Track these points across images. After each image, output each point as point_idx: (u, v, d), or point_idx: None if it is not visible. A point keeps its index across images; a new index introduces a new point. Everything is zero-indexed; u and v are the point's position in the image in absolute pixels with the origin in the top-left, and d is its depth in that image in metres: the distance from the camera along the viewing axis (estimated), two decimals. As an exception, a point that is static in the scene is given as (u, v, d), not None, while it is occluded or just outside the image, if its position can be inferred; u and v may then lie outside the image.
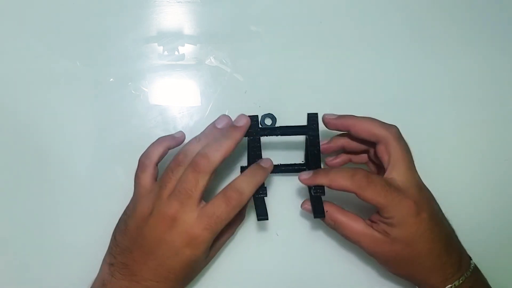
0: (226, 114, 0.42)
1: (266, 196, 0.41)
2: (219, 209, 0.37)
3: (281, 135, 0.43)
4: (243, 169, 0.43)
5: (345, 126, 0.41)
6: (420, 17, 0.52)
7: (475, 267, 0.40)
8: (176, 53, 0.49)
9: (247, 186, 0.39)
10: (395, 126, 0.40)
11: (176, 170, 0.38)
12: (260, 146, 0.42)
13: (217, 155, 0.38)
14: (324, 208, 0.41)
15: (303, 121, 0.47)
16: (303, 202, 0.43)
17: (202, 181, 0.37)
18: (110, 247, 0.40)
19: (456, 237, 0.41)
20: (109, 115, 0.47)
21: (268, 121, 0.45)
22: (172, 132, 0.46)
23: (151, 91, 0.48)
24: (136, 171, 0.40)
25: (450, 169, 0.49)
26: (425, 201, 0.39)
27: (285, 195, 0.47)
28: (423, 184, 0.40)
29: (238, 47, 0.49)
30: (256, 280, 0.45)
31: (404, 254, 0.39)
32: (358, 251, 0.46)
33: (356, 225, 0.40)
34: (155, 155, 0.40)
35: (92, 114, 0.47)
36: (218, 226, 0.37)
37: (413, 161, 0.40)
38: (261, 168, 0.40)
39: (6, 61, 0.48)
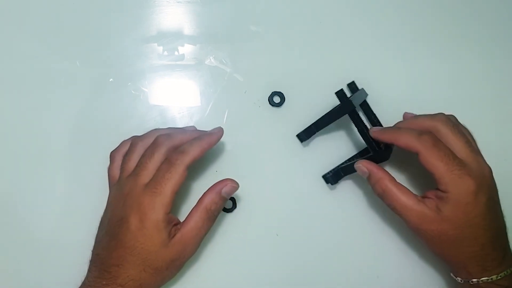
0: (224, 116, 0.45)
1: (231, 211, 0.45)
2: (161, 170, 0.38)
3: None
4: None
5: (388, 141, 0.41)
6: (421, 16, 0.52)
7: None
8: (176, 53, 0.49)
9: (189, 147, 0.39)
10: (428, 133, 0.39)
11: (131, 150, 0.41)
12: (359, 117, 0.42)
13: (194, 151, 0.39)
14: (378, 174, 0.40)
15: (302, 122, 0.47)
16: (358, 162, 0.42)
17: (158, 154, 0.39)
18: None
19: (506, 235, 0.40)
20: (108, 115, 0.47)
21: (276, 99, 0.47)
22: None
23: (150, 91, 0.48)
24: (108, 166, 0.43)
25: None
26: (486, 185, 0.38)
27: (285, 195, 0.47)
28: (490, 170, 0.39)
29: (238, 47, 0.49)
30: (256, 280, 0.45)
31: (449, 235, 0.38)
32: (358, 251, 0.46)
33: (406, 198, 0.39)
34: (124, 148, 0.43)
35: (92, 114, 0.47)
36: (163, 187, 0.37)
37: (473, 147, 0.40)
38: (208, 133, 0.41)
39: (6, 61, 0.48)
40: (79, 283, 0.39)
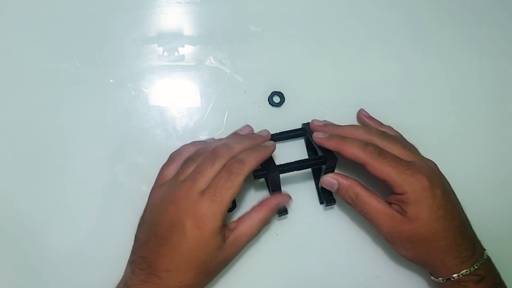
0: (224, 116, 0.45)
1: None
2: (221, 179, 0.38)
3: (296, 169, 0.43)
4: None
5: (334, 149, 0.41)
6: (421, 16, 0.52)
7: (489, 258, 0.40)
8: (176, 53, 0.49)
9: (248, 157, 0.39)
10: (371, 144, 0.40)
11: (195, 159, 0.40)
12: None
13: (252, 161, 0.39)
14: (347, 182, 0.41)
15: (302, 121, 0.47)
16: (323, 177, 0.42)
17: (218, 163, 0.39)
18: (133, 247, 0.40)
19: (470, 224, 0.41)
20: (108, 115, 0.47)
21: (276, 99, 0.47)
22: (172, 132, 0.47)
23: (150, 92, 0.48)
24: (163, 165, 0.42)
25: (449, 168, 0.49)
26: (437, 178, 0.39)
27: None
28: (435, 164, 0.41)
29: (237, 47, 0.49)
30: (256, 280, 0.45)
31: (421, 234, 0.38)
32: (358, 251, 0.46)
33: (377, 202, 0.40)
34: (185, 153, 0.42)
35: (92, 114, 0.47)
36: (223, 195, 0.37)
37: (412, 150, 0.41)
38: (264, 146, 0.42)
39: (5, 61, 0.48)
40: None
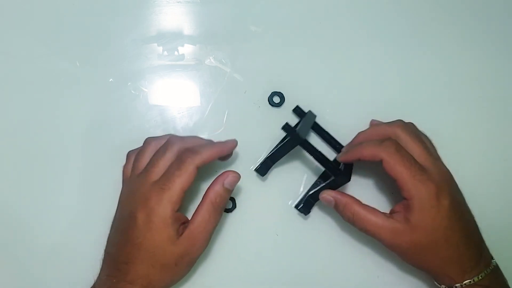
0: (224, 116, 0.46)
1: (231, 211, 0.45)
2: (172, 167, 0.38)
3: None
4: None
5: (355, 159, 0.41)
6: (421, 16, 0.52)
7: (496, 267, 0.40)
8: (176, 53, 0.49)
9: (201, 149, 0.39)
10: (389, 139, 0.40)
11: (144, 150, 0.41)
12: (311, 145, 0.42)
13: (205, 153, 0.39)
14: (344, 200, 0.41)
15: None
16: (322, 193, 0.42)
17: (169, 153, 0.39)
18: None
19: (479, 233, 0.41)
20: (108, 115, 0.47)
21: (276, 99, 0.47)
22: (172, 132, 0.47)
23: (150, 91, 0.48)
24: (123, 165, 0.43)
25: (450, 168, 0.49)
26: (447, 188, 0.39)
27: (285, 195, 0.47)
28: (449, 174, 0.40)
29: (237, 47, 0.49)
30: (256, 280, 0.45)
31: (423, 243, 0.38)
32: (358, 250, 0.46)
33: (375, 217, 0.39)
34: (139, 148, 0.43)
35: (92, 114, 0.47)
36: (172, 183, 0.37)
37: (431, 153, 0.41)
38: (222, 142, 0.42)
39: (5, 61, 0.48)
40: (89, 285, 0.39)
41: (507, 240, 0.48)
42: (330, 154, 0.47)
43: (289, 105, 0.48)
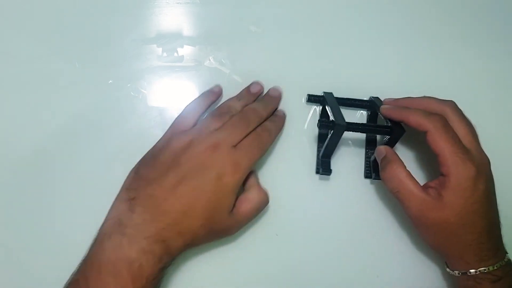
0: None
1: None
2: (253, 141, 0.41)
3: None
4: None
5: (399, 119, 0.42)
6: (422, 17, 0.52)
7: (509, 261, 0.40)
8: (175, 54, 0.49)
9: (273, 128, 0.44)
10: (437, 115, 0.40)
11: (223, 116, 0.42)
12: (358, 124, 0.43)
13: (276, 132, 0.44)
14: (393, 156, 0.41)
15: (303, 121, 0.47)
16: (378, 146, 0.43)
17: (251, 128, 0.41)
18: (127, 185, 0.39)
19: (500, 227, 0.41)
20: (108, 116, 0.47)
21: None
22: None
23: (150, 92, 0.48)
24: (177, 117, 0.43)
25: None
26: (485, 174, 0.39)
27: (284, 196, 0.47)
28: (489, 162, 0.41)
29: (237, 48, 0.49)
30: (256, 280, 0.45)
31: (449, 223, 0.38)
32: (358, 250, 0.46)
33: (412, 184, 0.39)
34: (202, 109, 0.44)
35: (91, 115, 0.47)
36: (253, 156, 0.40)
37: (476, 138, 0.41)
38: (280, 117, 0.46)
39: (4, 61, 0.48)
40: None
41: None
42: (360, 116, 0.49)
43: (289, 106, 0.48)
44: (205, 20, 0.50)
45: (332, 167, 0.46)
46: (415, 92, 0.46)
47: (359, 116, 0.49)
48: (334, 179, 0.47)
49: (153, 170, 0.38)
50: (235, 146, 0.39)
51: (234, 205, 0.39)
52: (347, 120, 0.41)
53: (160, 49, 0.49)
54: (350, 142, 0.48)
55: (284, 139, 0.48)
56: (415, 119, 0.40)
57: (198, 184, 0.37)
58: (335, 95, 0.48)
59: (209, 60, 0.49)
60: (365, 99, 0.48)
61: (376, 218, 0.47)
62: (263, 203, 0.42)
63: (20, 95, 0.47)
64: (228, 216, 0.39)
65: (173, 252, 0.37)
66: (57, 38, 0.48)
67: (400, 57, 0.51)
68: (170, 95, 0.49)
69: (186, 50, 0.49)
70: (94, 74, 0.48)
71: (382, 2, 0.52)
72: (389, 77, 0.51)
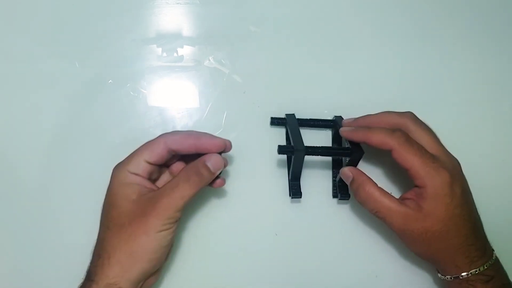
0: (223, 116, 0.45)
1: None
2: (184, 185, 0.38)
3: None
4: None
5: (361, 141, 0.42)
6: (423, 16, 0.52)
7: (497, 258, 0.40)
8: (175, 54, 0.49)
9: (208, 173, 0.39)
10: (399, 130, 0.40)
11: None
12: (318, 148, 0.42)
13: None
14: (362, 178, 0.41)
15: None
16: (343, 168, 0.43)
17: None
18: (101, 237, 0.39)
19: (482, 226, 0.41)
20: (107, 116, 0.47)
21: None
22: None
23: (150, 92, 0.48)
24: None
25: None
26: (458, 177, 0.39)
27: (283, 195, 0.47)
28: (459, 163, 0.41)
29: (237, 48, 0.50)
30: (255, 280, 0.45)
31: (434, 231, 0.38)
32: (356, 250, 0.46)
33: (388, 201, 0.39)
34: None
35: (91, 115, 0.47)
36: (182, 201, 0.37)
37: (440, 143, 0.41)
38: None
39: (4, 62, 0.48)
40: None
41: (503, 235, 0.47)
42: (325, 135, 0.48)
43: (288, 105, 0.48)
44: (205, 20, 0.50)
45: (303, 188, 0.45)
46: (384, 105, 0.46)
47: (325, 136, 0.48)
48: (305, 200, 0.46)
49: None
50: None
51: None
52: (312, 141, 0.41)
53: (160, 49, 0.49)
54: (319, 162, 0.48)
55: (261, 161, 0.47)
56: (377, 139, 0.40)
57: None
58: (334, 91, 0.47)
59: (209, 60, 0.49)
60: (329, 118, 0.48)
61: (375, 218, 0.47)
62: None
63: (20, 95, 0.47)
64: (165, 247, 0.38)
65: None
66: (57, 38, 0.49)
67: (402, 56, 0.51)
68: (170, 95, 0.49)
69: (186, 50, 0.49)
70: (94, 74, 0.48)
71: (385, 2, 0.52)
72: (390, 79, 0.51)
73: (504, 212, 0.48)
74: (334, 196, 0.47)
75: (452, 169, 0.39)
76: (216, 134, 0.47)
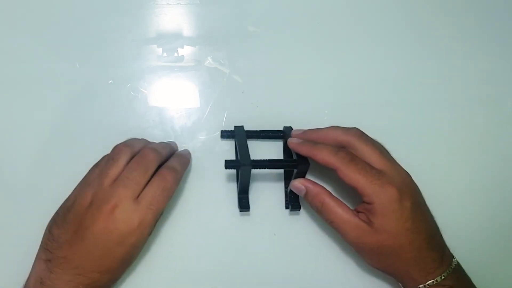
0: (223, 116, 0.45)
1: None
2: (158, 188, 0.38)
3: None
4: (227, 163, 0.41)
5: (306, 155, 0.41)
6: (420, 17, 0.52)
7: (458, 265, 0.40)
8: (175, 54, 0.49)
9: (178, 165, 0.41)
10: (343, 150, 0.39)
11: (117, 157, 0.39)
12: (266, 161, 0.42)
13: (182, 170, 0.42)
14: (315, 189, 0.40)
15: (300, 122, 0.48)
16: (293, 181, 0.42)
17: (151, 171, 0.39)
18: (44, 243, 0.38)
19: (440, 234, 0.41)
20: (107, 116, 0.47)
21: None
22: (170, 132, 0.47)
23: (149, 92, 0.48)
24: (96, 163, 0.42)
25: (446, 169, 0.49)
26: (408, 190, 0.39)
27: (283, 195, 0.47)
28: (409, 176, 0.40)
29: (236, 48, 0.50)
30: (255, 280, 0.45)
31: (386, 245, 0.38)
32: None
33: (342, 211, 0.39)
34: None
35: (91, 115, 0.47)
36: (160, 204, 0.38)
37: (388, 157, 0.40)
38: (184, 154, 0.45)
39: (4, 62, 0.48)
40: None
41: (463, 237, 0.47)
42: (276, 146, 0.48)
43: (287, 105, 0.48)
44: (205, 20, 0.50)
45: (256, 200, 0.45)
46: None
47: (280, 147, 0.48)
48: (256, 212, 0.46)
49: (62, 231, 0.38)
50: (137, 198, 0.37)
51: None
52: (268, 151, 0.41)
53: (160, 49, 0.49)
54: (272, 173, 0.47)
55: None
56: (322, 158, 0.39)
57: (108, 250, 0.37)
58: (334, 91, 0.47)
59: (209, 60, 0.49)
60: (279, 129, 0.47)
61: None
62: None
63: (20, 95, 0.47)
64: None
65: None
66: (58, 38, 0.49)
67: (400, 57, 0.51)
68: (170, 95, 0.49)
69: (186, 50, 0.49)
70: (94, 74, 0.48)
71: (382, 3, 0.52)
72: (390, 80, 0.51)
73: (468, 214, 0.48)
74: (287, 207, 0.46)
75: (400, 183, 0.38)
76: (216, 134, 0.47)
